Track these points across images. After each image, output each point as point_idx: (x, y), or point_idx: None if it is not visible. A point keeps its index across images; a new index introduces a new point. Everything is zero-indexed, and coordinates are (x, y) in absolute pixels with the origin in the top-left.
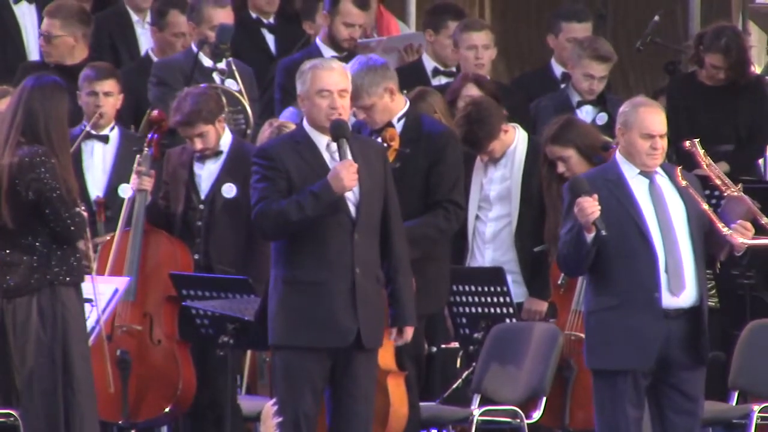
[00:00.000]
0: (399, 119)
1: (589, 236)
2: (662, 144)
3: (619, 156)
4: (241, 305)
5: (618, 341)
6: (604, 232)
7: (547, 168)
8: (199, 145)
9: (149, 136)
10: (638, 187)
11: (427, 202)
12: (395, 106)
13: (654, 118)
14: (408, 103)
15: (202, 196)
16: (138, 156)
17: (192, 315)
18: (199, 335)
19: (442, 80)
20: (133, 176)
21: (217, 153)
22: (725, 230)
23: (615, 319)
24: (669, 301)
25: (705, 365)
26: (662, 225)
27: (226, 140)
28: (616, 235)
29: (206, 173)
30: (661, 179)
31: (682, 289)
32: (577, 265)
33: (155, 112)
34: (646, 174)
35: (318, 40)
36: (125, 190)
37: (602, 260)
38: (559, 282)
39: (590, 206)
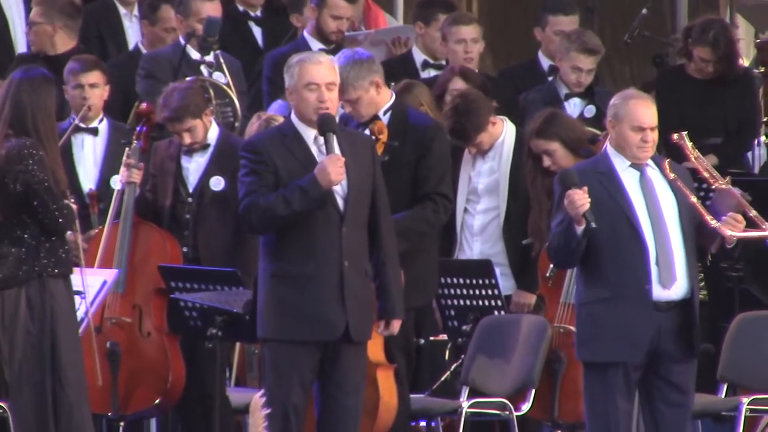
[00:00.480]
0: (385, 112)
1: (579, 229)
2: (653, 136)
3: (609, 148)
4: (230, 297)
5: (609, 334)
6: (593, 225)
7: (531, 162)
8: (187, 139)
9: (138, 128)
10: (629, 179)
11: (415, 195)
12: (381, 100)
13: (645, 110)
14: (394, 97)
15: (190, 189)
16: (127, 149)
17: (180, 307)
18: (187, 328)
19: (432, 73)
20: (123, 169)
21: (205, 146)
22: (713, 223)
23: (606, 312)
24: (660, 293)
25: (696, 357)
26: (653, 217)
27: (213, 133)
28: (606, 227)
29: (194, 166)
30: (652, 171)
31: (672, 281)
32: (568, 257)
33: (143, 105)
34: (637, 166)
35: (306, 33)
36: (117, 182)
37: (593, 252)
38: (548, 274)
39: (580, 198)
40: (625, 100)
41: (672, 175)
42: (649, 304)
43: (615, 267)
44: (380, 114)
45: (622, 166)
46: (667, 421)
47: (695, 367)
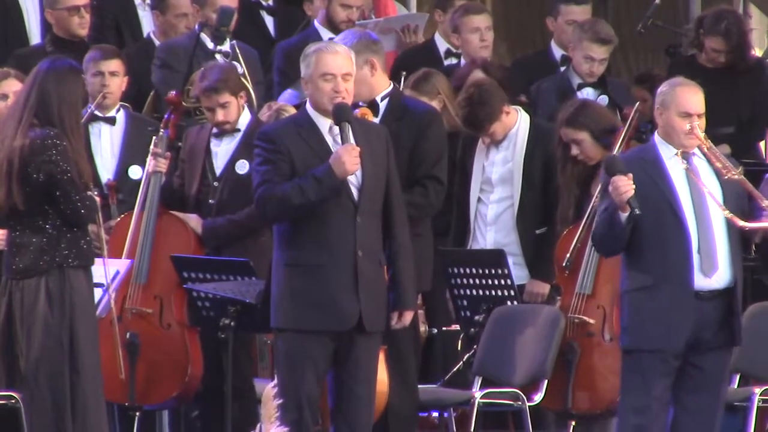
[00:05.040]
0: (383, 98)
1: (623, 215)
2: (700, 123)
3: (657, 137)
4: (242, 287)
5: (650, 321)
6: (637, 211)
7: (561, 150)
8: (220, 116)
9: (166, 116)
10: (675, 168)
11: (409, 180)
12: (375, 83)
13: (692, 96)
14: (392, 85)
15: (218, 173)
16: (154, 137)
17: (193, 297)
18: (202, 318)
19: (455, 61)
20: (149, 158)
21: (235, 130)
22: (726, 213)
23: (648, 299)
24: (701, 282)
25: (736, 346)
26: (696, 206)
27: (244, 119)
28: (651, 216)
29: (222, 151)
30: (698, 160)
31: (713, 270)
32: (612, 244)
33: (173, 93)
34: (683, 155)
35: (316, 23)
36: (135, 172)
37: (637, 240)
38: (564, 264)
39: (624, 185)
40: (673, 87)
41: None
42: (690, 293)
43: (657, 255)
44: (378, 99)
45: (668, 154)
46: (697, 409)
47: (730, 357)
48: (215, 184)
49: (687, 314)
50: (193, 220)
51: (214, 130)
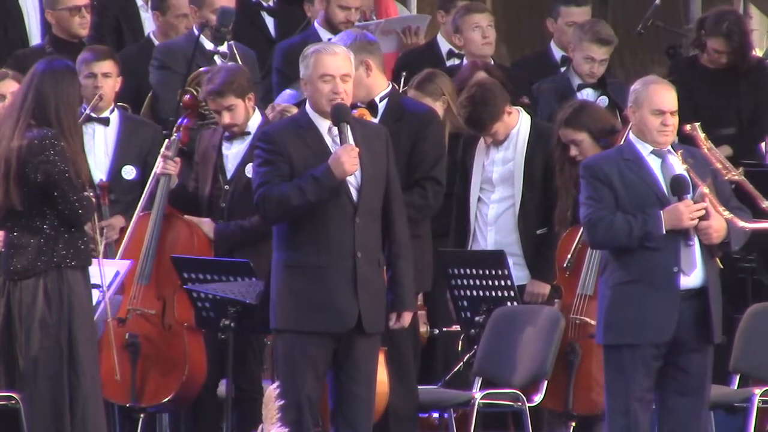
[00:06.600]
0: (381, 99)
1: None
2: (673, 121)
3: (632, 136)
4: (243, 288)
5: (634, 316)
6: (690, 243)
7: (560, 151)
8: (227, 119)
9: (179, 120)
10: (652, 165)
11: (408, 181)
12: (372, 84)
13: (664, 94)
14: (391, 86)
15: (228, 177)
16: (166, 140)
17: (193, 298)
18: (202, 319)
19: (457, 62)
20: (159, 159)
21: (245, 133)
22: (726, 214)
23: (632, 295)
24: (680, 280)
25: (711, 343)
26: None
27: (254, 121)
28: (637, 211)
29: (233, 153)
30: (673, 158)
31: (692, 268)
32: (617, 247)
33: (187, 97)
34: (659, 153)
35: (317, 24)
36: (129, 172)
37: None
38: (565, 265)
39: (696, 215)
40: (645, 85)
41: (684, 166)
42: (675, 288)
43: (645, 251)
44: (376, 100)
45: (644, 152)
46: (682, 411)
47: (711, 356)
48: (226, 187)
49: (672, 310)
50: (206, 225)
51: (226, 132)
